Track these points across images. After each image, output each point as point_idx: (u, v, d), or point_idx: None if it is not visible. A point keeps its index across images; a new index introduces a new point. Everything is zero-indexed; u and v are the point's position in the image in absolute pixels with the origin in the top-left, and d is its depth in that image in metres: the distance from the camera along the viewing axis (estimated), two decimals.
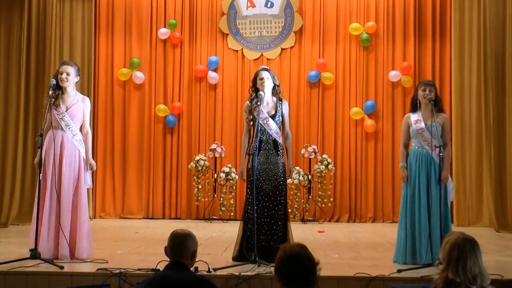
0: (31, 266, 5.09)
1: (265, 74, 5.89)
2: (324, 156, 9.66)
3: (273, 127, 5.84)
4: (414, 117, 5.77)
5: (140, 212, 9.94)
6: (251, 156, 5.62)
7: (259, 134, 5.68)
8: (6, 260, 5.21)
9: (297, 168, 9.52)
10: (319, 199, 9.58)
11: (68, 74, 5.79)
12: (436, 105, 5.67)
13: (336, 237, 7.84)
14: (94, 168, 5.92)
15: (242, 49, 10.17)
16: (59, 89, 5.80)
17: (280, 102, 5.93)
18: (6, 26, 9.27)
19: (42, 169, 5.52)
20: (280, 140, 5.87)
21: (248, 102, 5.95)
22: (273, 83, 5.91)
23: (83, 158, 5.79)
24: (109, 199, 9.98)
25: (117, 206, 9.99)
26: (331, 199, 9.66)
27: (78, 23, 9.72)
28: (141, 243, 6.98)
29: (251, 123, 5.87)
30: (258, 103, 5.74)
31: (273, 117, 5.85)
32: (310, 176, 9.55)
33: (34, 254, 5.24)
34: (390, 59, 9.99)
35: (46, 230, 5.58)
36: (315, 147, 9.67)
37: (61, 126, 5.74)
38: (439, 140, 5.59)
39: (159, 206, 9.99)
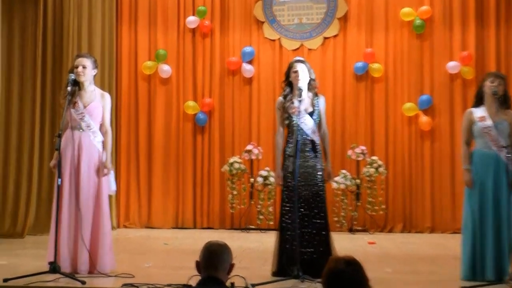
0: (50, 281, 5.14)
1: (300, 67, 5.85)
2: (374, 157, 9.57)
3: (310, 125, 5.79)
4: (478, 113, 5.69)
5: (168, 221, 9.99)
6: (291, 158, 5.56)
7: (298, 133, 5.62)
8: (23, 274, 5.24)
9: (344, 171, 9.46)
10: (369, 207, 9.49)
11: (84, 67, 5.80)
12: (505, 102, 5.64)
13: (388, 249, 7.81)
14: (108, 173, 5.79)
15: (279, 38, 10.16)
16: (76, 85, 5.81)
17: (317, 98, 5.89)
18: (19, 20, 9.34)
19: (59, 173, 5.54)
20: (317, 140, 5.82)
21: (281, 98, 5.92)
22: (309, 76, 5.86)
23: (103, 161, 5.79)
24: (134, 207, 10.05)
25: (142, 214, 10.05)
26: (383, 206, 9.56)
27: (97, 13, 9.77)
28: (170, 255, 7.05)
29: (287, 121, 5.82)
30: (300, 98, 5.69)
31: (310, 114, 5.81)
32: (358, 181, 9.48)
33: (54, 267, 5.27)
34: (448, 48, 9.86)
35: (65, 242, 5.58)
36: (363, 147, 9.59)
37: (81, 126, 5.75)
38: (506, 139, 5.53)
39: (189, 214, 10.03)
